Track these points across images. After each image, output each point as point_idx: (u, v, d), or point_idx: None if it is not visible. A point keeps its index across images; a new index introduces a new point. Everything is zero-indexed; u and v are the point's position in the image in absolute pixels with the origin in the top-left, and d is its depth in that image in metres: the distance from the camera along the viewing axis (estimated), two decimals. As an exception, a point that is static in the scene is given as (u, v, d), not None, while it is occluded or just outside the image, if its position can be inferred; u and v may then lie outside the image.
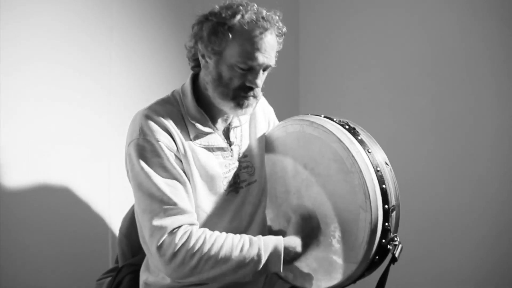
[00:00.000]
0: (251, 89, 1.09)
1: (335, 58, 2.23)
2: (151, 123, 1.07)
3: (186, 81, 1.18)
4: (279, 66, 2.44)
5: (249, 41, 1.04)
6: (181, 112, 1.14)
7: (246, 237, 1.05)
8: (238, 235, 1.06)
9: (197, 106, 1.14)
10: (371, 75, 2.10)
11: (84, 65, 1.50)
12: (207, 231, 1.04)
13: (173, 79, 1.19)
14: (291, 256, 1.07)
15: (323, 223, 1.12)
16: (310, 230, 1.13)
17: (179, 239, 1.00)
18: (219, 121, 1.19)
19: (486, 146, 1.78)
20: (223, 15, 1.05)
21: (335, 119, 1.13)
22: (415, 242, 1.98)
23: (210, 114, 1.16)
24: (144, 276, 1.20)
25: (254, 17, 1.04)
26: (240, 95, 1.09)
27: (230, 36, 1.04)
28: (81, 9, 1.49)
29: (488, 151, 1.77)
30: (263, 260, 1.02)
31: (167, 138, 1.07)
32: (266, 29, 1.05)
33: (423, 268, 1.96)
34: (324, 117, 1.15)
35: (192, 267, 0.99)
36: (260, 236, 1.07)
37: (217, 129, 1.18)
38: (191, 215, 1.05)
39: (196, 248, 1.00)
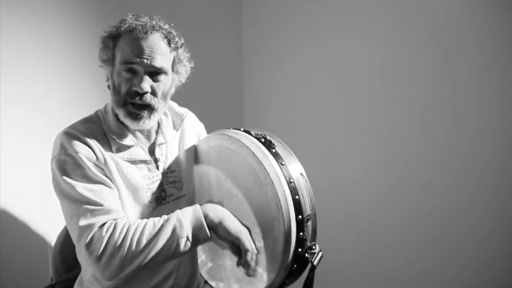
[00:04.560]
0: (138, 94, 1.12)
1: (278, 68, 2.27)
2: (71, 139, 1.10)
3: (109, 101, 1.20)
4: (224, 79, 2.44)
5: (128, 44, 1.12)
6: (103, 129, 1.17)
7: (164, 216, 1.08)
8: (157, 217, 1.08)
9: (117, 121, 1.17)
10: (314, 84, 2.14)
11: (21, 88, 1.53)
12: (131, 221, 1.07)
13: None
14: (210, 220, 1.09)
15: None
16: None
17: (106, 231, 1.02)
18: (141, 137, 1.21)
19: (430, 152, 1.83)
20: (109, 29, 1.15)
21: (252, 133, 1.16)
22: (358, 246, 2.04)
23: (131, 130, 1.19)
24: (76, 291, 1.22)
25: (134, 24, 1.12)
26: (127, 101, 1.13)
27: (113, 43, 1.14)
28: (16, 33, 1.51)
29: (431, 156, 1.82)
30: (185, 226, 1.05)
31: (86, 149, 1.10)
32: (145, 32, 1.11)
33: (373, 272, 2.02)
34: (243, 130, 1.17)
35: (123, 256, 1.01)
36: (177, 209, 1.10)
37: (140, 145, 1.20)
38: (118, 213, 1.07)
39: (123, 236, 1.02)
